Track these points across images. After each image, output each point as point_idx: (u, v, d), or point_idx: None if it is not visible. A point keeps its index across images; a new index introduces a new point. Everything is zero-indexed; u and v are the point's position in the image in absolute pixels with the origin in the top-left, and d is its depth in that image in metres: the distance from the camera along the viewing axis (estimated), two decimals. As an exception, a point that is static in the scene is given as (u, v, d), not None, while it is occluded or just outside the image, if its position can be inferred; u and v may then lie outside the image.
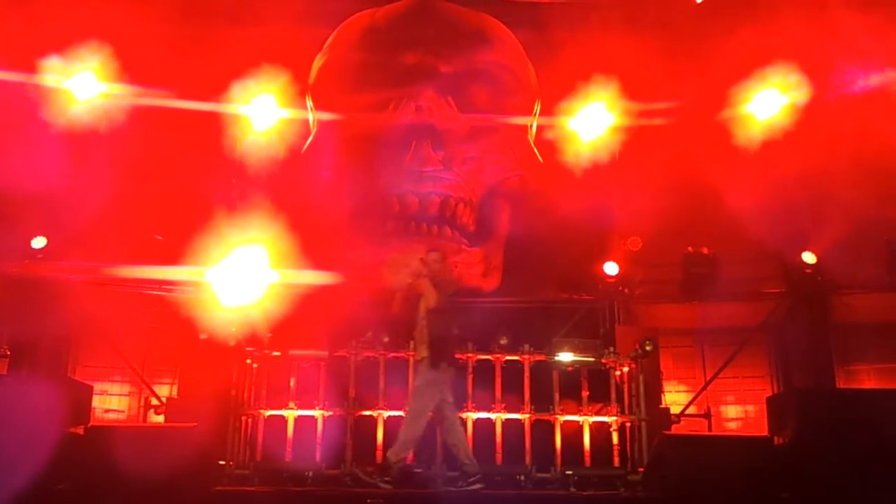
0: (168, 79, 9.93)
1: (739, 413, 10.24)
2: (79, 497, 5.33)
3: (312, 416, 7.25)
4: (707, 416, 10.12)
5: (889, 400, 7.08)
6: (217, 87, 10.37)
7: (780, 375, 10.20)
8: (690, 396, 10.21)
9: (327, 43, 8.86)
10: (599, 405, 7.50)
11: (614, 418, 7.39)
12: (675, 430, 8.92)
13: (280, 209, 10.95)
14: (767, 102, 9.95)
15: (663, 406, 8.77)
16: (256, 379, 7.43)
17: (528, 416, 7.27)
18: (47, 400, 6.60)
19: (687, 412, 10.03)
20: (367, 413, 7.25)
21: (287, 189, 10.89)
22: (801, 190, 10.27)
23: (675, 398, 10.05)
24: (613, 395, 7.48)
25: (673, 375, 10.28)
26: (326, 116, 8.71)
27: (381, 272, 8.25)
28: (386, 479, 6.27)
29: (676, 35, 9.78)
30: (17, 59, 8.66)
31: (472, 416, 7.25)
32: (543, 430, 7.28)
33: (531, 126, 9.11)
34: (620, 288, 10.09)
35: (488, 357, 7.48)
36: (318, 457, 7.07)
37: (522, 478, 6.78)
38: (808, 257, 9.63)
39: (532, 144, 9.11)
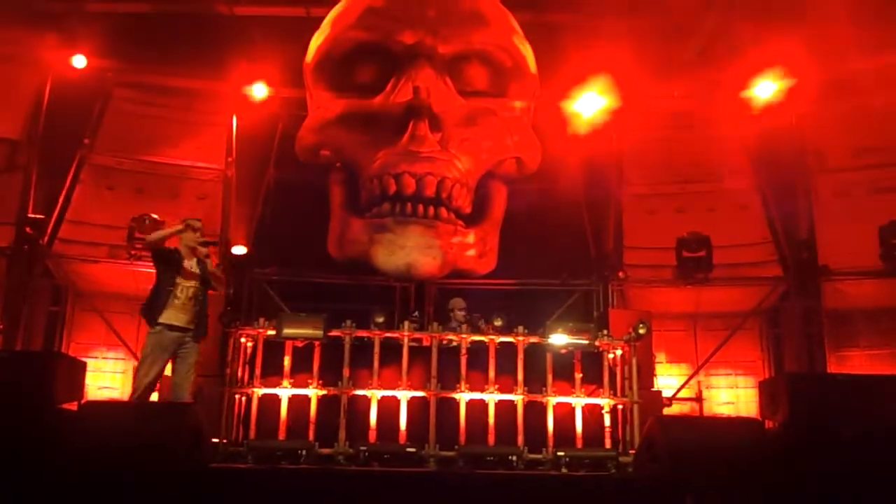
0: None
1: (731, 397, 10.32)
2: (72, 474, 5.33)
3: (306, 396, 7.27)
4: (699, 399, 10.20)
5: (881, 385, 7.11)
6: (214, 66, 10.37)
7: (773, 360, 10.28)
8: (683, 380, 10.28)
9: (325, 21, 8.80)
10: (592, 387, 7.53)
11: (607, 401, 7.42)
12: (667, 412, 8.99)
13: (277, 189, 10.98)
14: (764, 87, 9.98)
15: (655, 389, 8.82)
16: (251, 357, 7.44)
17: (521, 397, 7.30)
18: (41, 376, 6.61)
19: (679, 395, 10.12)
20: (361, 393, 7.27)
21: (283, 169, 10.90)
22: (796, 175, 10.32)
23: (667, 381, 10.13)
24: (606, 378, 7.50)
25: (666, 359, 10.34)
26: (323, 95, 8.67)
27: (376, 253, 8.24)
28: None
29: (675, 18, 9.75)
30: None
31: (466, 396, 7.27)
32: (536, 411, 7.31)
33: (529, 108, 9.09)
34: (617, 272, 10.16)
35: (482, 339, 7.50)
36: (311, 436, 7.10)
37: (515, 458, 6.81)
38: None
39: (529, 127, 9.09)
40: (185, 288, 6.39)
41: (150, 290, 6.44)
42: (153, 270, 9.80)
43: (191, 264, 6.45)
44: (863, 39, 9.29)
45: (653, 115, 10.88)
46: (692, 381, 10.24)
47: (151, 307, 6.33)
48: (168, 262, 6.39)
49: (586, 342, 7.44)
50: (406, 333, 7.44)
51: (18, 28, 9.44)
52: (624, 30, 9.70)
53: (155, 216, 9.81)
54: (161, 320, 6.28)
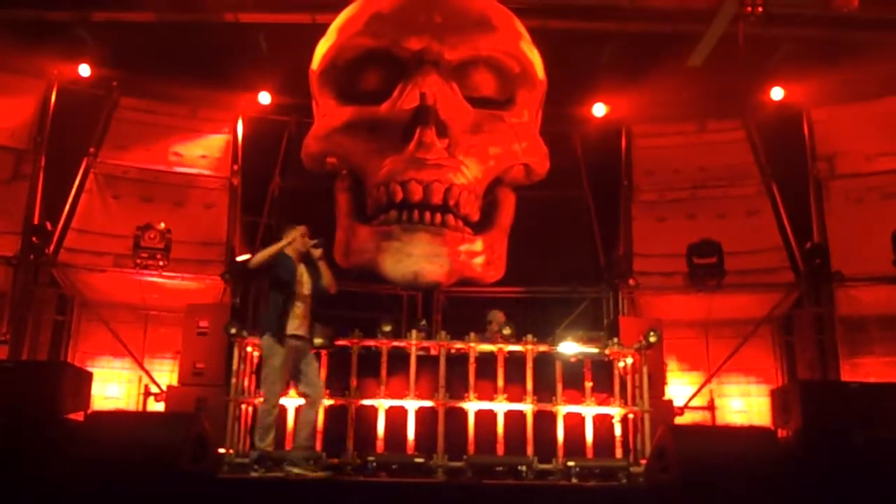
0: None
1: (743, 405, 10.20)
2: (78, 484, 5.29)
3: (314, 405, 7.20)
4: (711, 407, 10.09)
5: (895, 394, 7.02)
6: (219, 74, 10.36)
7: (786, 368, 10.17)
8: (695, 388, 10.17)
9: (331, 28, 8.76)
10: (603, 396, 7.45)
11: (617, 410, 7.34)
12: (679, 421, 8.89)
13: (282, 197, 10.95)
14: (776, 94, 9.97)
15: (667, 398, 8.73)
16: (257, 367, 7.38)
17: (530, 406, 7.22)
18: (46, 386, 6.57)
19: (690, 404, 10.01)
20: (369, 402, 7.21)
21: (289, 177, 10.88)
22: (808, 180, 10.26)
23: (678, 390, 10.03)
24: (617, 387, 7.42)
25: (677, 367, 10.24)
26: (329, 103, 8.62)
27: (383, 261, 8.17)
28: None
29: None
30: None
31: (474, 406, 7.20)
32: (546, 421, 7.24)
33: (537, 114, 9.03)
34: (627, 279, 10.09)
35: (491, 348, 7.43)
36: (318, 446, 7.04)
37: (524, 469, 6.74)
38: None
39: (538, 133, 9.02)
40: (302, 296, 6.27)
41: (262, 305, 6.24)
42: (160, 280, 9.86)
43: (301, 270, 6.33)
44: (875, 43, 9.23)
45: (662, 120, 10.83)
46: (704, 390, 10.14)
47: (280, 321, 6.11)
48: (285, 272, 6.19)
49: (596, 351, 7.37)
50: (414, 342, 7.39)
51: (24, 37, 9.44)
52: (631, 34, 9.66)
53: (161, 225, 9.78)
54: (289, 332, 6.13)
